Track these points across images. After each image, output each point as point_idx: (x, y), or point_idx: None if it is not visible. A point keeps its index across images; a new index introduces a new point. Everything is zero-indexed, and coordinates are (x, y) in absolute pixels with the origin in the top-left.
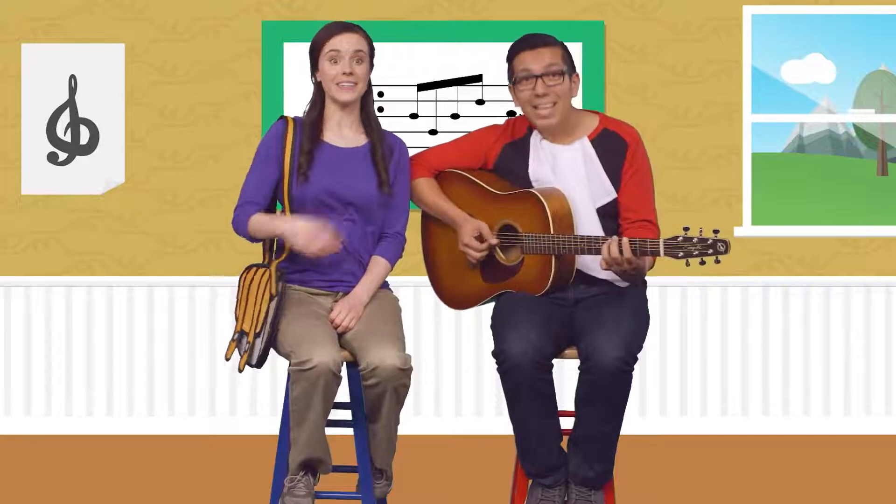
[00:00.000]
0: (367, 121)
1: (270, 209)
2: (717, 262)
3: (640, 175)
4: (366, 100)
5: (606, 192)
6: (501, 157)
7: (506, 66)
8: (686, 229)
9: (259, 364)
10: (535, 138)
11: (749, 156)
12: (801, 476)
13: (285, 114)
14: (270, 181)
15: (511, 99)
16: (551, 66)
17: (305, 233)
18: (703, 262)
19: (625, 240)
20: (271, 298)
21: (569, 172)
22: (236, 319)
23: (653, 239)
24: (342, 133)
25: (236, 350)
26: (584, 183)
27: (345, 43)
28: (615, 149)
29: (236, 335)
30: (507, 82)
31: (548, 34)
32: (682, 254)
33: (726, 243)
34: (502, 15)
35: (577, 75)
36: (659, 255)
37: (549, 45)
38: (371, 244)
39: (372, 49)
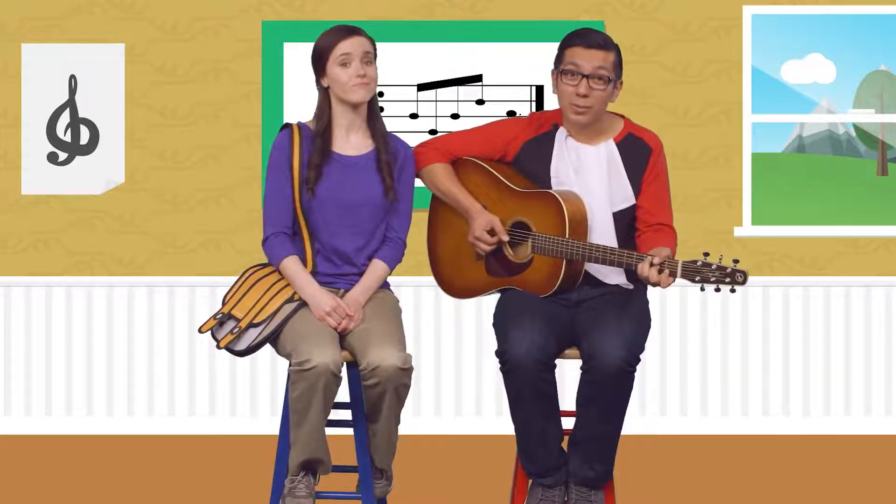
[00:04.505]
0: (373, 125)
1: (297, 226)
2: (733, 291)
3: (660, 180)
4: (371, 103)
5: (626, 198)
6: (522, 152)
7: (556, 50)
8: (706, 255)
9: (245, 353)
10: (560, 135)
11: (749, 156)
12: (801, 476)
13: (289, 121)
14: (289, 200)
15: (553, 88)
16: (600, 70)
17: (318, 310)
18: (718, 290)
19: (644, 262)
20: (290, 300)
21: (591, 172)
22: (224, 303)
23: (671, 260)
24: (350, 139)
25: (218, 326)
26: (604, 185)
27: (355, 46)
28: (639, 153)
29: (220, 316)
30: (552, 66)
31: (607, 35)
32: (698, 278)
33: (744, 274)
34: (502, 15)
35: (621, 82)
36: (676, 276)
37: (604, 49)
38: (376, 250)
39: (376, 50)
